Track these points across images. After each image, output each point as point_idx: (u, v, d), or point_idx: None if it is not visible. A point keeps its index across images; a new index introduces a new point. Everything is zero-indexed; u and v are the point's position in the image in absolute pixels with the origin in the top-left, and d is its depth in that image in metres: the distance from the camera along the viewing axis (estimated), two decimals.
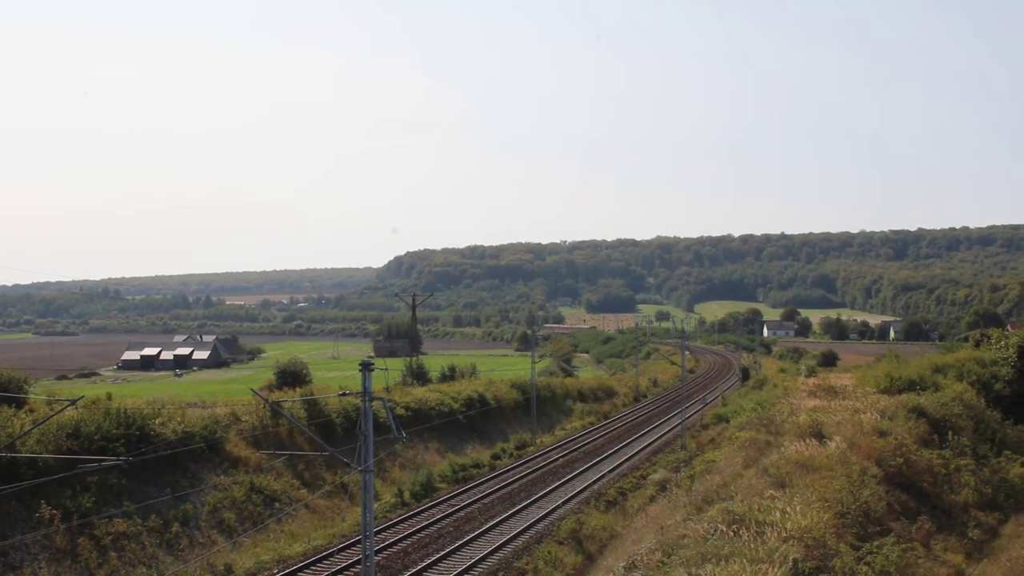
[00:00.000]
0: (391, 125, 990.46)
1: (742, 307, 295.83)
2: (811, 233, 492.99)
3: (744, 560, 16.68)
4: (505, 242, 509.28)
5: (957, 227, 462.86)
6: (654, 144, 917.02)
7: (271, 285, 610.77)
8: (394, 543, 28.24)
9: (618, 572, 19.74)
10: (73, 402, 21.42)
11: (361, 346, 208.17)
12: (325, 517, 31.92)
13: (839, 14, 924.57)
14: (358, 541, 26.27)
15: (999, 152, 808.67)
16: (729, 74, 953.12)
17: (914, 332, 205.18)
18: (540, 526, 30.65)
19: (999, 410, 39.24)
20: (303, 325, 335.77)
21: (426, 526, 30.55)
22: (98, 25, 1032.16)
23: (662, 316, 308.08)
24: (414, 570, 25.35)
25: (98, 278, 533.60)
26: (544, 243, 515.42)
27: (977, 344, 57.48)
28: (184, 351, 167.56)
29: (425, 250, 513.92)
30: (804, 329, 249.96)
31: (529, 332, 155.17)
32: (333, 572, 24.97)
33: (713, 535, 19.05)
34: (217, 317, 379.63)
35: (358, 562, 24.51)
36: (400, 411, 43.27)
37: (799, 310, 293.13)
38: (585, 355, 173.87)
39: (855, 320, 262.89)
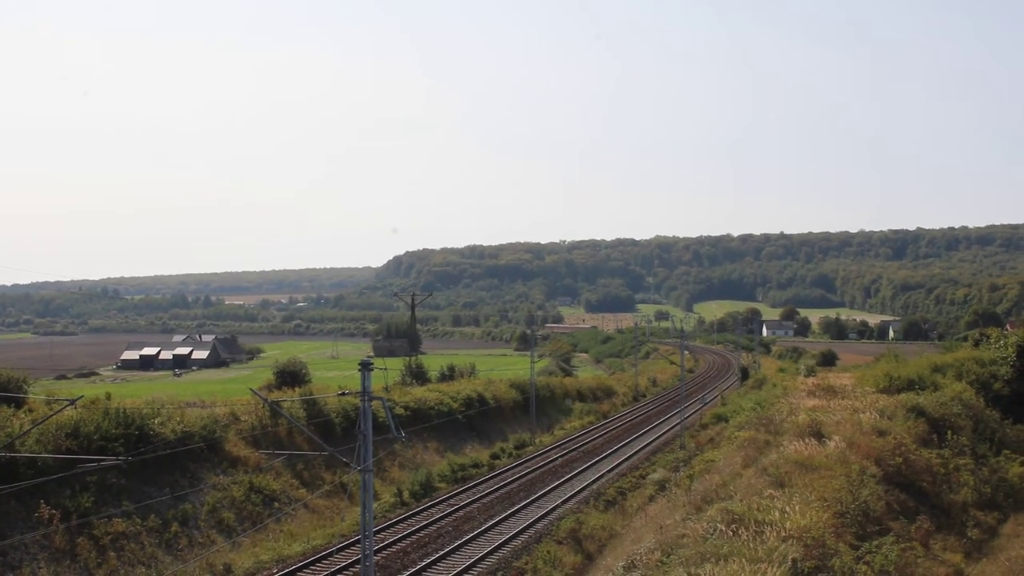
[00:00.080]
0: (391, 125, 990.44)
1: (741, 307, 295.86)
2: (810, 233, 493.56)
3: (743, 559, 16.68)
4: (504, 242, 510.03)
5: (956, 227, 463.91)
6: (654, 144, 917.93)
7: (270, 285, 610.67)
8: (393, 543, 28.24)
9: (617, 571, 19.74)
10: (72, 402, 21.44)
11: (360, 346, 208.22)
12: (324, 517, 31.91)
13: (839, 14, 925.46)
14: (357, 541, 26.26)
15: (998, 152, 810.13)
16: (729, 74, 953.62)
17: (913, 332, 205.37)
18: (539, 526, 30.65)
19: (998, 409, 39.27)
20: (302, 325, 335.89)
21: (425, 526, 30.54)
22: (98, 25, 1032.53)
23: (661, 316, 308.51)
24: (413, 570, 25.35)
25: (97, 278, 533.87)
26: (543, 243, 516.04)
27: (976, 344, 57.51)
28: (183, 351, 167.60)
29: (424, 250, 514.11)
30: (803, 329, 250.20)
31: (528, 332, 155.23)
32: (332, 572, 24.97)
33: (712, 534, 19.05)
34: (216, 317, 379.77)
35: (357, 562, 24.51)
36: (399, 411, 43.28)
37: (798, 310, 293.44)
38: (584, 355, 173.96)
39: (854, 320, 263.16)
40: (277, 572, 25.07)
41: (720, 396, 72.33)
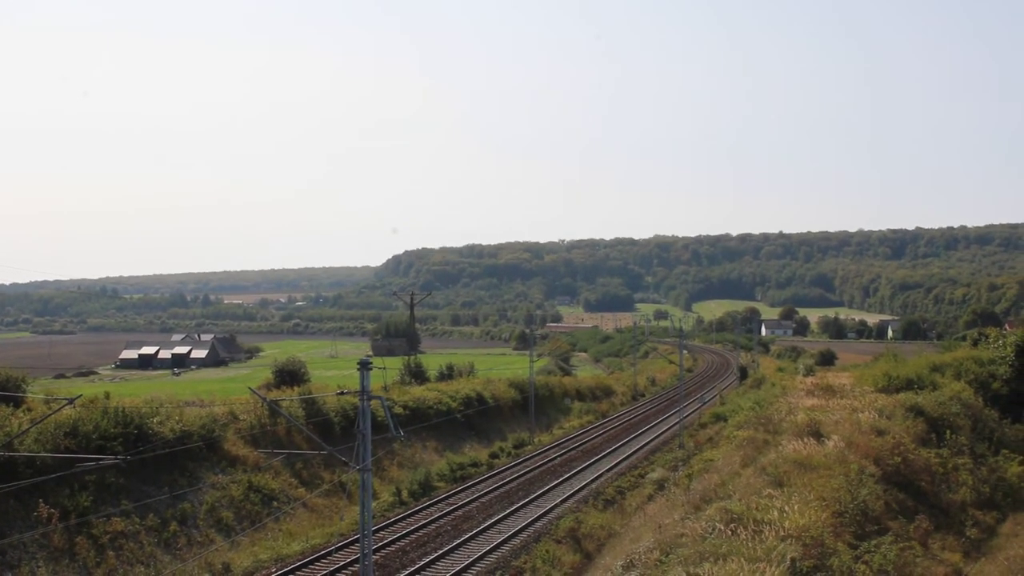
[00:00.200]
0: (390, 125, 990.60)
1: (740, 306, 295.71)
2: (809, 232, 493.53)
3: (742, 559, 16.69)
4: (503, 241, 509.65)
5: (955, 226, 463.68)
6: (653, 143, 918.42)
7: (269, 284, 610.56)
8: (392, 542, 28.24)
9: (616, 571, 19.74)
10: (71, 401, 21.43)
11: (359, 345, 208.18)
12: (323, 516, 31.91)
13: (839, 14, 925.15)
14: (356, 540, 26.27)
15: (997, 152, 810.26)
16: (728, 74, 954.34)
17: (912, 331, 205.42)
18: (538, 525, 30.65)
19: (997, 409, 39.30)
20: (301, 324, 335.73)
21: (424, 525, 30.54)
22: (98, 25, 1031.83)
23: (660, 315, 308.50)
24: (412, 569, 25.34)
25: (96, 277, 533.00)
26: (542, 242, 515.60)
27: (975, 343, 57.55)
28: (182, 350, 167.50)
29: (423, 249, 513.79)
30: (802, 328, 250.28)
31: (527, 331, 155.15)
32: (331, 571, 24.96)
33: (711, 534, 19.06)
34: (215, 316, 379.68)
35: (356, 561, 24.52)
36: (398, 410, 43.28)
37: (797, 309, 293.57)
38: (583, 354, 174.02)
39: (853, 319, 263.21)
40: (276, 571, 25.06)
41: (719, 395, 72.31)
